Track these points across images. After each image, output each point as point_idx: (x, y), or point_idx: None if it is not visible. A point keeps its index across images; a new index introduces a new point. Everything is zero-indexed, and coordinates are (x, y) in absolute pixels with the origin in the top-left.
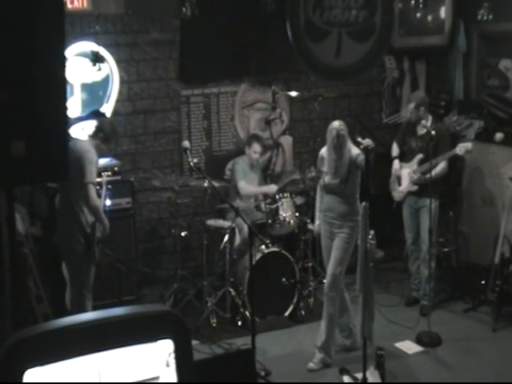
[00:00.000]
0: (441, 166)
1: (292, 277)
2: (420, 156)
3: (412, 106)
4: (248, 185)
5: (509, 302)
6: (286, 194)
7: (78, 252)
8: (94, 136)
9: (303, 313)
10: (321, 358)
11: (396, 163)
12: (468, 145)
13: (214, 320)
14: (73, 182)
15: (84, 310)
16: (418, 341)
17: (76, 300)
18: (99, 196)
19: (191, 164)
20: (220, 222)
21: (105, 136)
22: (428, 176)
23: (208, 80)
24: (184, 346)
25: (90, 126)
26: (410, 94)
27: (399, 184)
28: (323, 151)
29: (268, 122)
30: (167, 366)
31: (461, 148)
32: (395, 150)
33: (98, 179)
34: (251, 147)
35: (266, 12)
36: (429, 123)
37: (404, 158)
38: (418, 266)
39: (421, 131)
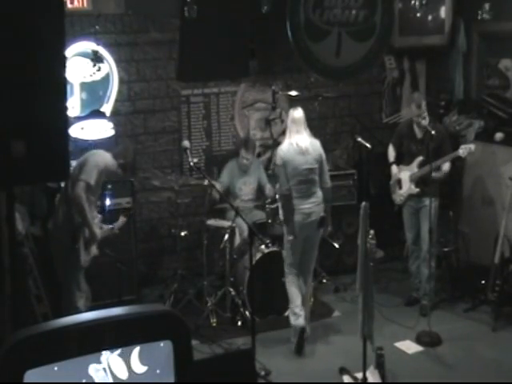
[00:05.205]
0: (447, 166)
1: None
2: (420, 158)
3: (424, 103)
4: (219, 188)
5: (509, 302)
6: None
7: (66, 249)
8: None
9: None
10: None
11: (394, 168)
12: (471, 146)
13: (214, 320)
14: (74, 180)
15: (74, 308)
16: (418, 341)
17: (66, 297)
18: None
19: (191, 164)
20: (220, 222)
21: (124, 163)
22: (436, 175)
23: (208, 79)
24: (184, 346)
25: (90, 125)
26: (415, 95)
27: (400, 187)
28: (282, 151)
29: (268, 122)
30: (167, 366)
31: (464, 150)
32: (392, 154)
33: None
34: (240, 153)
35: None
36: (426, 122)
37: (402, 160)
38: (418, 266)
39: (419, 134)
